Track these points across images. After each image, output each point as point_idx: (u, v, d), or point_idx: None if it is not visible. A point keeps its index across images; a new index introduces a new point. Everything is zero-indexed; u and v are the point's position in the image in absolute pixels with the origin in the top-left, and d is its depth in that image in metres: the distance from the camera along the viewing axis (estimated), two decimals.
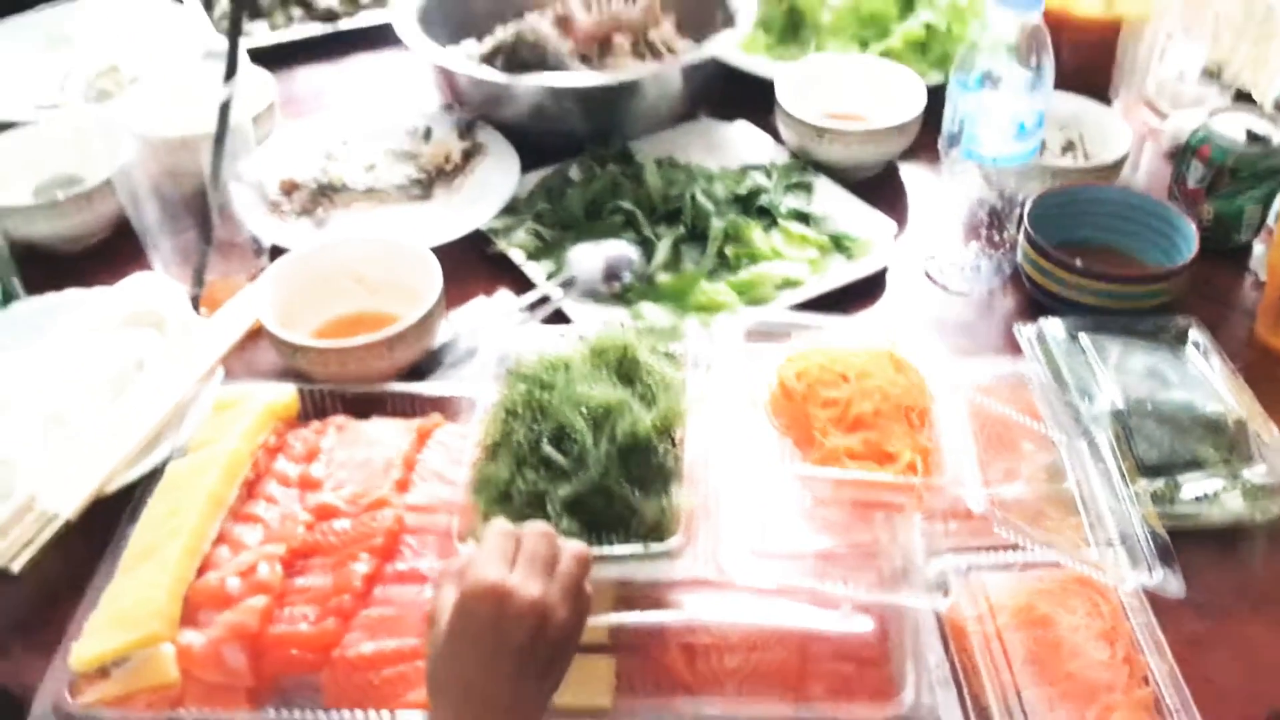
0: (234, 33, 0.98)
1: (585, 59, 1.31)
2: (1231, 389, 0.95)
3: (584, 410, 0.78)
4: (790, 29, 1.45)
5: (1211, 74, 1.34)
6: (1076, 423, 0.91)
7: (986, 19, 1.01)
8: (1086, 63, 1.26)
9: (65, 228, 1.14)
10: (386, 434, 0.91)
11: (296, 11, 1.54)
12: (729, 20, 1.34)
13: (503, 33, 1.26)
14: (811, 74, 1.31)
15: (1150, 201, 1.11)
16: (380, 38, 1.49)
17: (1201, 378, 0.97)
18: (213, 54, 1.15)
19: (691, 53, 1.30)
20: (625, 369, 0.84)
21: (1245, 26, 1.32)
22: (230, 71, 0.98)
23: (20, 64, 1.45)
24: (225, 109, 0.98)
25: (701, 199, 1.15)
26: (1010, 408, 0.91)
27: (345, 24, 1.53)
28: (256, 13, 1.54)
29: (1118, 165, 1.19)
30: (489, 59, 1.25)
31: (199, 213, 1.04)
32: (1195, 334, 1.01)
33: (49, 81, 1.43)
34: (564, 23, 1.33)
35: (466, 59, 1.27)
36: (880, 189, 1.25)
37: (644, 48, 1.33)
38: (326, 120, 1.32)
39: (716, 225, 1.13)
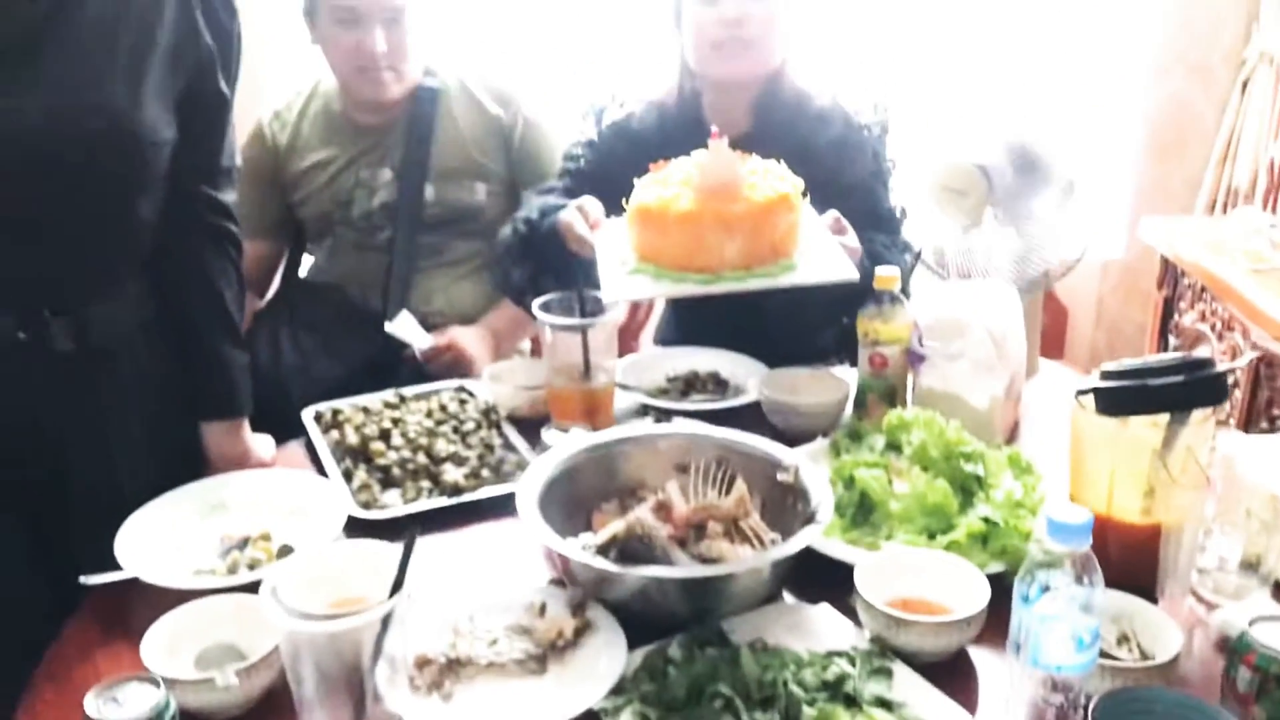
0: (404, 561, 1.16)
1: (682, 542, 1.49)
2: None
3: None
4: (862, 514, 1.62)
5: (1250, 565, 1.48)
6: None
7: (1040, 543, 1.18)
8: (1132, 563, 1.41)
9: (228, 698, 1.28)
10: None
11: (425, 484, 1.75)
12: (808, 510, 1.52)
13: (616, 526, 1.44)
14: (886, 564, 1.47)
15: (1205, 707, 1.21)
16: (495, 509, 1.70)
17: None
18: (360, 550, 1.33)
19: (780, 546, 1.47)
20: None
21: (1275, 524, 1.48)
22: (396, 587, 1.15)
23: (178, 531, 1.64)
24: (389, 619, 1.14)
25: (794, 687, 1.28)
26: None
27: (468, 496, 1.73)
28: (390, 484, 1.75)
29: (1173, 662, 1.31)
30: (603, 550, 1.43)
31: (353, 691, 1.18)
32: None
33: (205, 548, 1.61)
34: (663, 509, 1.52)
35: (583, 549, 1.44)
36: (952, 673, 1.37)
37: (734, 533, 1.51)
38: (452, 593, 1.49)
39: (809, 713, 1.25)
